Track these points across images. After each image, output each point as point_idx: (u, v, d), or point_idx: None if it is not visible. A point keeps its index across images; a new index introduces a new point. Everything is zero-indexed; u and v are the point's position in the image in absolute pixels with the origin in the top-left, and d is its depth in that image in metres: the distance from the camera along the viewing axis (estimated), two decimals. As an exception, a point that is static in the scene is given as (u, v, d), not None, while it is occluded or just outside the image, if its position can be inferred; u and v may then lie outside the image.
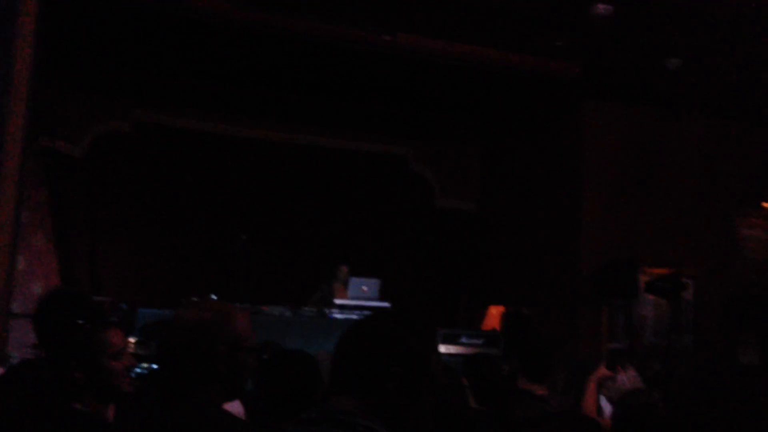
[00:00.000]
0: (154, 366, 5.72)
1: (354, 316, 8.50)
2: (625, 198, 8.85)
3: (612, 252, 8.56)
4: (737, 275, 8.98)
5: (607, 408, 4.11)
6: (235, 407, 3.28)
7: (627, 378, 4.01)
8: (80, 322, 2.20)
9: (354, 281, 8.74)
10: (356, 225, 10.21)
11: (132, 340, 5.91)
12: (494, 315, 8.77)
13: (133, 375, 2.45)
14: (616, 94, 8.73)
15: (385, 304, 8.64)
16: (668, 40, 7.25)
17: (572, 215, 8.88)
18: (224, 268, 8.67)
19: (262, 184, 9.94)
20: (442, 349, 8.12)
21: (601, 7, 6.29)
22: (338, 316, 8.47)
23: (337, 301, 8.67)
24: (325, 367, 3.56)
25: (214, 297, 7.55)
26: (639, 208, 8.87)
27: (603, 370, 4.00)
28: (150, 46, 8.41)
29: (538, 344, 3.86)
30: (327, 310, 8.50)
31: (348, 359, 1.52)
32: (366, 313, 8.52)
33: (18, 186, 4.91)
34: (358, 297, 8.67)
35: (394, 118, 10.09)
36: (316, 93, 9.55)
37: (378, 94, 9.50)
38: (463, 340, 8.08)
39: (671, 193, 8.98)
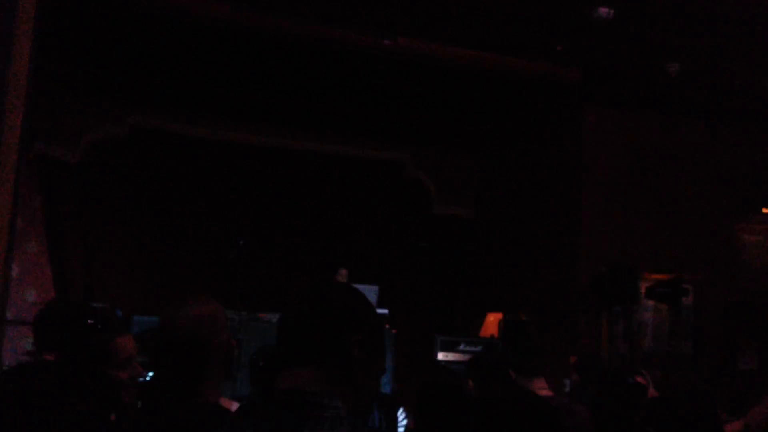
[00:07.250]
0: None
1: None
2: (624, 203, 8.80)
3: (612, 257, 8.51)
4: (737, 281, 8.95)
5: None
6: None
7: None
8: (90, 322, 2.13)
9: (352, 288, 8.65)
10: (354, 231, 10.13)
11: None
12: (492, 322, 8.69)
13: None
14: (617, 100, 8.69)
15: (384, 311, 8.55)
16: (669, 45, 7.23)
17: (571, 221, 8.83)
18: (221, 274, 8.57)
19: (260, 189, 9.85)
20: (441, 356, 8.03)
21: (603, 11, 6.24)
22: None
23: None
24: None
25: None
26: (639, 214, 8.82)
27: None
28: (146, 51, 8.33)
29: (528, 341, 3.91)
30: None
31: (308, 331, 1.48)
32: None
33: (14, 193, 4.81)
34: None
35: (391, 124, 10.03)
36: (314, 98, 9.48)
37: (376, 98, 9.44)
38: (462, 347, 7.98)
39: (671, 199, 8.94)
